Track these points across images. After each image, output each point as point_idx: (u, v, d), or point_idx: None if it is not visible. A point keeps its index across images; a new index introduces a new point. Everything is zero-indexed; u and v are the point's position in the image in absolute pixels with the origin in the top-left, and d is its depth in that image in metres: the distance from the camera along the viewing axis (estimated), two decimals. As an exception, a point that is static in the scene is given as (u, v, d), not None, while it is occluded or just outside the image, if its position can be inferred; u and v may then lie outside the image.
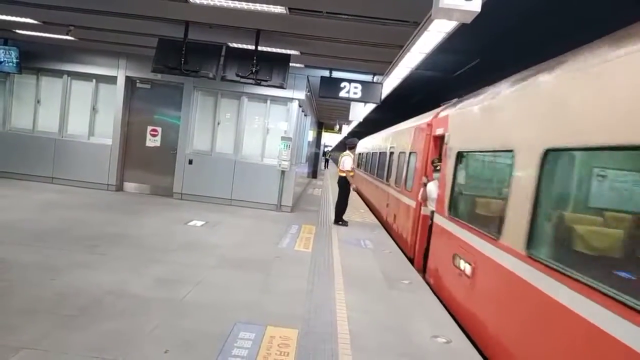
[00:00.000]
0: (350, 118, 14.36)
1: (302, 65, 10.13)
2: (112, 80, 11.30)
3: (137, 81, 11.48)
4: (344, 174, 10.20)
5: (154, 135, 11.39)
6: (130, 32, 8.82)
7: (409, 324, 4.64)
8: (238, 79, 8.31)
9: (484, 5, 4.16)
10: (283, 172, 11.02)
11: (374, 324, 4.52)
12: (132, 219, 8.31)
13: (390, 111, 19.40)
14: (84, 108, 11.49)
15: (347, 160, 10.33)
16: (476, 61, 10.98)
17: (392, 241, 9.34)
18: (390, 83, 10.15)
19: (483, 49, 9.99)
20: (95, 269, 5.22)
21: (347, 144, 10.81)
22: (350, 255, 7.39)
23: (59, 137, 11.43)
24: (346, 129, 28.54)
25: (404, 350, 3.99)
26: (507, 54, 9.86)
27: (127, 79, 11.28)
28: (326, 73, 10.17)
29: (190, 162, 11.18)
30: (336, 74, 10.11)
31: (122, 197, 10.79)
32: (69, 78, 11.48)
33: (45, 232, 6.66)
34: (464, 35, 6.46)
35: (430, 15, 4.96)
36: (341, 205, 10.27)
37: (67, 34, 9.06)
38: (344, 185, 10.20)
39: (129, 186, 11.65)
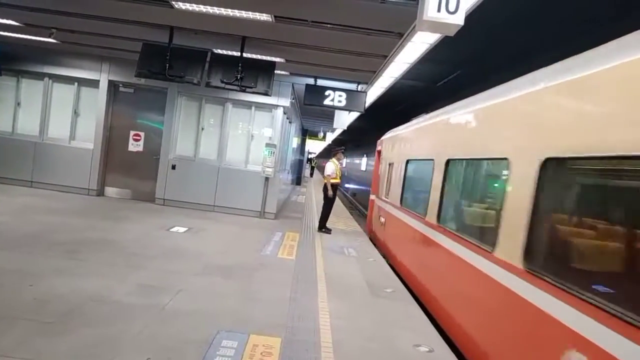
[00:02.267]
0: (334, 126, 14.43)
1: (287, 73, 10.17)
2: (94, 83, 11.18)
3: (120, 85, 11.38)
4: (332, 181, 10.21)
5: (136, 140, 11.28)
6: (114, 36, 8.76)
7: (391, 333, 4.67)
8: (223, 85, 8.31)
9: (467, 19, 4.25)
10: (267, 178, 11.01)
11: (357, 333, 4.53)
12: (114, 225, 8.20)
13: (374, 120, 19.54)
14: (65, 111, 11.34)
15: (328, 167, 10.40)
16: (457, 72, 11.13)
17: (376, 249, 9.39)
18: (374, 92, 10.26)
19: (465, 60, 10.14)
20: (75, 275, 5.14)
21: (331, 151, 10.86)
22: (333, 263, 7.41)
23: (39, 140, 11.24)
24: (330, 137, 28.62)
25: (387, 359, 4.01)
26: (487, 66, 10.03)
27: (110, 82, 11.17)
28: (311, 81, 10.24)
29: (174, 167, 11.09)
30: (321, 82, 10.19)
31: (103, 202, 10.65)
32: (51, 81, 11.32)
33: (24, 237, 6.53)
34: (447, 47, 6.56)
35: (415, 27, 5.05)
36: (325, 212, 10.30)
37: (49, 37, 8.94)
38: (331, 192, 10.22)
39: (111, 191, 11.51)
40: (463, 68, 10.69)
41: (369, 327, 4.75)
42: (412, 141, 8.55)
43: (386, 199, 9.94)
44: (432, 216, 6.18)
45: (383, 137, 11.96)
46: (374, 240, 10.74)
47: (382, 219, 10.04)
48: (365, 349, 4.16)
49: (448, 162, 5.91)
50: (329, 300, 5.40)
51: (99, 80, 11.13)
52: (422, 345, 4.39)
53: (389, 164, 10.18)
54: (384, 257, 8.83)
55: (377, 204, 11.25)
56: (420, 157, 7.64)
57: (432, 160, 6.50)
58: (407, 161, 8.39)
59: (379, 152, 12.23)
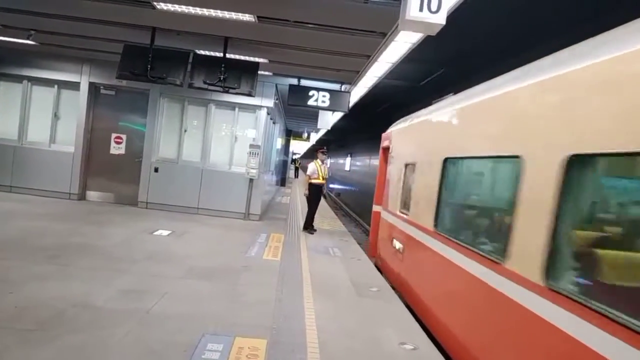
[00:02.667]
0: (318, 126, 14.45)
1: (270, 74, 10.14)
2: (74, 86, 11.00)
3: (101, 87, 11.22)
4: (312, 181, 10.21)
5: (118, 143, 11.14)
6: (95, 38, 8.64)
7: (377, 332, 4.68)
8: (206, 86, 8.27)
9: (449, 18, 4.29)
10: (251, 180, 10.96)
11: (343, 332, 4.54)
12: (96, 229, 8.08)
13: (357, 119, 19.61)
14: (45, 114, 11.14)
15: (310, 167, 10.43)
16: (440, 71, 11.22)
17: (360, 247, 9.41)
18: (358, 92, 10.29)
19: (448, 59, 10.23)
20: (57, 281, 5.06)
21: (315, 151, 10.85)
22: (319, 264, 7.41)
23: (18, 144, 11.03)
24: (315, 137, 28.66)
25: (373, 358, 4.02)
26: (470, 64, 10.13)
27: (91, 85, 11.01)
28: (295, 81, 10.24)
29: (156, 170, 10.98)
30: (305, 83, 10.19)
31: (85, 206, 10.49)
32: (29, 83, 11.11)
33: (3, 243, 6.40)
34: (430, 46, 6.62)
35: (397, 27, 5.08)
36: (309, 212, 10.30)
37: (27, 39, 8.79)
38: (312, 192, 10.22)
39: (92, 195, 11.35)
40: (446, 67, 10.78)
41: (354, 326, 4.76)
42: (457, 128, 5.49)
43: (403, 215, 6.95)
44: (525, 265, 3.30)
45: (392, 129, 8.86)
46: (382, 268, 8.11)
47: (398, 245, 7.05)
48: (351, 348, 4.17)
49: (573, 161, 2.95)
50: (315, 301, 5.39)
51: (79, 83, 10.97)
52: (407, 343, 4.42)
53: (406, 165, 7.27)
54: (398, 293, 6.54)
55: (386, 220, 8.18)
56: (481, 153, 4.58)
57: (518, 158, 3.60)
58: (446, 160, 5.41)
59: (386, 149, 9.35)
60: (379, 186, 9.62)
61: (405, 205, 7.03)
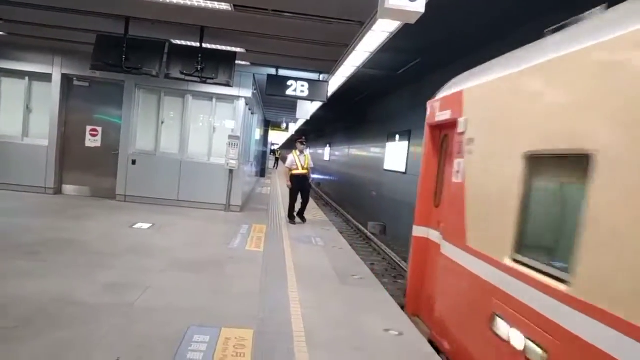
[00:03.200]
0: (297, 116, 14.40)
1: (248, 63, 10.05)
2: (46, 78, 10.71)
3: (75, 79, 10.96)
4: (293, 172, 10.20)
5: (94, 135, 10.93)
6: (66, 28, 8.41)
7: (362, 318, 4.74)
8: (183, 76, 8.15)
9: (427, 6, 4.32)
10: (231, 171, 10.89)
11: (328, 320, 4.59)
12: (74, 223, 7.94)
13: (336, 109, 19.65)
14: (16, 107, 10.82)
15: (288, 158, 10.43)
16: (417, 60, 11.29)
17: (341, 236, 9.47)
18: (336, 81, 10.29)
19: (425, 48, 10.29)
20: (37, 277, 4.96)
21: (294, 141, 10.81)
22: (302, 253, 7.44)
23: (-12, 138, 10.72)
24: (294, 127, 28.58)
25: (358, 345, 4.08)
26: (446, 52, 10.22)
27: (64, 76, 10.73)
28: (273, 71, 10.16)
29: (134, 162, 10.81)
30: (283, 72, 10.12)
31: (61, 200, 10.29)
32: (-2, 75, 10.79)
33: (-22, 241, 6.25)
34: (407, 35, 6.65)
35: (376, 15, 5.09)
36: (290, 202, 10.31)
37: (-5, 29, 8.52)
38: (293, 183, 10.22)
39: (69, 189, 11.12)
40: (423, 55, 10.85)
41: (339, 314, 4.81)
42: None
43: (534, 275, 2.98)
44: None
45: (469, 85, 4.56)
46: (444, 347, 4.45)
47: (515, 336, 3.13)
48: (337, 336, 4.22)
49: None
50: (299, 290, 5.43)
51: (51, 74, 10.68)
52: (391, 330, 4.49)
53: (529, 158, 3.23)
54: None
55: (448, 258, 4.50)
56: None
57: None
58: None
59: (443, 126, 5.31)
60: (425, 193, 5.56)
61: (539, 248, 3.24)
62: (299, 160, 10.20)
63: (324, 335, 4.18)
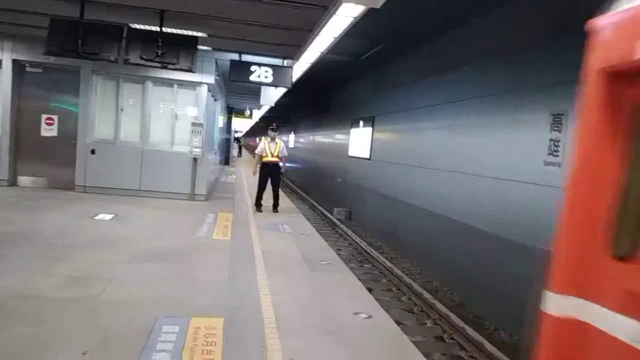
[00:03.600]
0: (261, 102, 14.24)
1: (210, 48, 9.83)
2: (-5, 64, 10.17)
3: (27, 65, 10.43)
4: (264, 160, 10.08)
5: (49, 124, 10.47)
6: (16, 10, 7.96)
7: (331, 303, 4.78)
8: (142, 62, 7.88)
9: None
10: (195, 159, 10.68)
11: (299, 306, 4.60)
12: (32, 216, 7.63)
13: (301, 96, 19.51)
14: (-38, 96, 10.25)
15: (259, 144, 10.29)
16: (380, 46, 11.30)
17: (308, 223, 9.49)
18: (300, 67, 10.20)
19: (387, 34, 10.28)
20: (-8, 273, 4.76)
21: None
22: (269, 241, 7.41)
23: None
24: (258, 114, 28.28)
25: (329, 329, 4.11)
26: (408, 39, 10.26)
27: (15, 62, 10.20)
28: (236, 56, 9.97)
29: (93, 152, 10.44)
30: (246, 58, 9.95)
31: (16, 192, 9.86)
32: (-59, 62, 10.16)
33: None
34: (371, 20, 6.64)
35: None
36: (258, 190, 10.22)
37: None
38: (262, 170, 10.12)
39: (24, 180, 10.64)
40: (387, 41, 10.86)
41: (309, 299, 4.84)
42: None
43: None
44: None
45: None
46: None
47: None
48: (308, 321, 4.24)
49: None
50: (268, 277, 5.41)
51: (1, 60, 10.14)
52: (361, 313, 4.54)
53: None
54: None
55: None
56: None
57: None
58: None
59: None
60: (579, 225, 1.86)
61: None
62: (269, 147, 10.09)
63: (295, 321, 4.19)
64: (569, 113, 5.48)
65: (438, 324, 6.59)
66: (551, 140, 5.78)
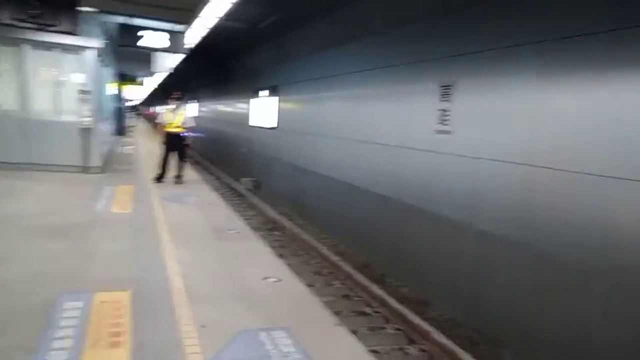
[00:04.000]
0: (152, 69, 13.47)
1: (96, 10, 9.09)
2: None
3: None
4: (166, 130, 9.65)
5: None
6: None
7: (240, 270, 4.86)
8: (16, 22, 7.11)
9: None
10: (86, 129, 9.95)
11: (207, 274, 4.63)
12: None
13: (202, 63, 18.78)
14: None
15: (161, 115, 9.87)
16: (277, 16, 11.17)
17: (214, 194, 9.36)
18: (196, 33, 9.83)
19: (283, 2, 10.12)
20: None
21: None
22: (174, 212, 7.26)
23: None
24: (153, 82, 26.78)
25: (239, 294, 4.20)
26: (308, 10, 10.21)
27: None
28: (125, 20, 9.35)
29: (-36, 123, 9.32)
30: (137, 22, 9.36)
31: None
32: None
33: None
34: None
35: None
36: (160, 161, 9.81)
37: None
38: (165, 140, 9.71)
39: None
40: (283, 10, 10.76)
41: (218, 268, 4.88)
42: None
43: None
44: None
45: None
46: None
47: None
48: (218, 288, 4.30)
49: None
50: (175, 249, 5.35)
51: None
52: (270, 277, 4.68)
53: None
54: None
55: None
56: None
57: None
58: None
59: None
60: None
61: None
62: (171, 117, 9.66)
63: (205, 289, 4.23)
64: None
65: (345, 284, 7.00)
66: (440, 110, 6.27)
